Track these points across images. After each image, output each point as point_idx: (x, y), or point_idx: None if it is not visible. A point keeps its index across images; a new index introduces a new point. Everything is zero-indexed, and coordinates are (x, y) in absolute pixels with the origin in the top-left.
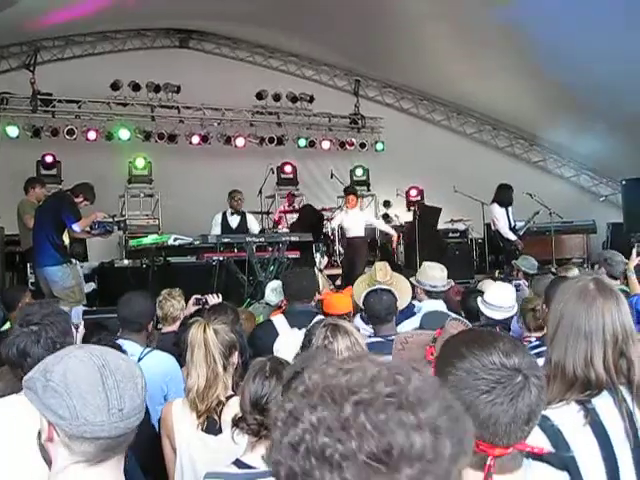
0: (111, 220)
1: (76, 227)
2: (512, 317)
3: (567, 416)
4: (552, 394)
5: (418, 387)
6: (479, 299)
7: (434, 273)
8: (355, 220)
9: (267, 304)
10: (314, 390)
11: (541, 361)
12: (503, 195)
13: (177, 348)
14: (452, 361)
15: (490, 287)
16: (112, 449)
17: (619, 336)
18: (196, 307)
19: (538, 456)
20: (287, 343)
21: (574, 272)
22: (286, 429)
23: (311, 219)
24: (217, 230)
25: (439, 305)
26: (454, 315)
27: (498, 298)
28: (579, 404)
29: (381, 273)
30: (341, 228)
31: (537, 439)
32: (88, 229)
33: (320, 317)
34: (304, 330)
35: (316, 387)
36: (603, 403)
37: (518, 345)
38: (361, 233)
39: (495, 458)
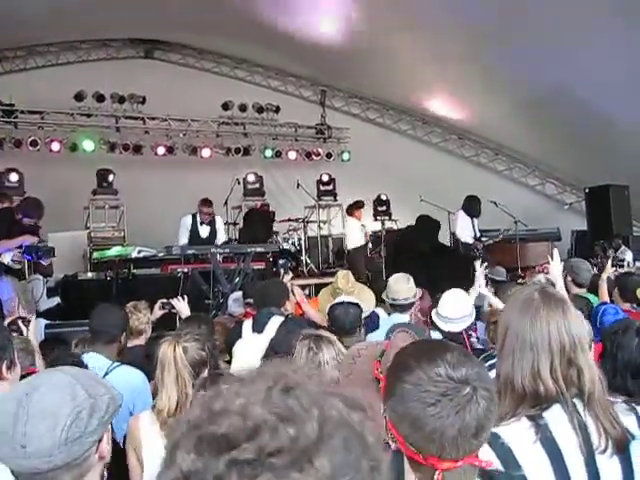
0: (43, 246)
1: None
2: (471, 326)
3: (518, 433)
4: (503, 409)
5: (314, 433)
6: (433, 312)
7: (398, 287)
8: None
9: (230, 315)
10: (191, 431)
11: (494, 373)
12: (470, 206)
13: (148, 361)
14: (400, 374)
15: (443, 298)
16: None
17: (566, 345)
18: (162, 312)
19: (487, 476)
20: (244, 347)
21: (539, 277)
22: (164, 468)
23: (257, 223)
24: (185, 234)
25: (405, 319)
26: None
27: (450, 310)
28: (530, 419)
29: (343, 281)
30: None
31: (487, 457)
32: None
33: (278, 318)
34: (264, 334)
35: (193, 428)
36: (555, 416)
37: (468, 356)
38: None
39: (444, 472)
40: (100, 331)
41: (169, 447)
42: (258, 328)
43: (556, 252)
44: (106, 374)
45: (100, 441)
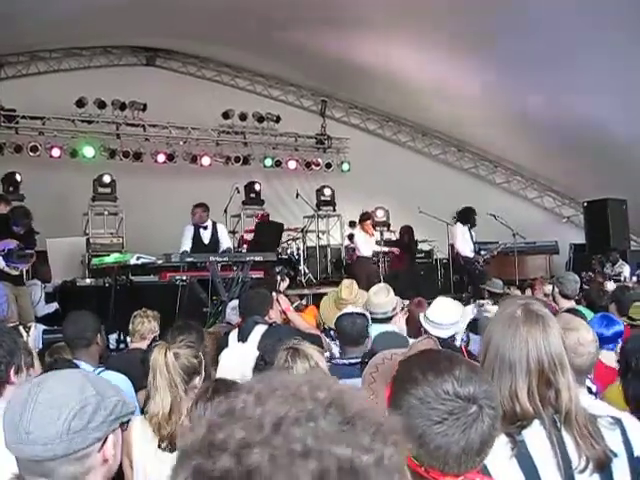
0: (20, 252)
1: None
2: (456, 334)
3: (495, 449)
4: None
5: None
6: (421, 316)
7: (378, 300)
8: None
9: (228, 323)
10: (190, 456)
11: None
12: (466, 216)
13: (142, 366)
14: (406, 386)
15: (433, 303)
16: (33, 473)
17: (545, 364)
18: None
19: None
20: (227, 356)
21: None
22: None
23: (266, 234)
24: (188, 244)
25: (387, 329)
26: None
27: (439, 315)
28: (508, 436)
29: (347, 291)
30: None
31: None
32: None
33: (261, 327)
34: (247, 343)
35: (194, 453)
36: (533, 434)
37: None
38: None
39: None
40: (75, 337)
41: (175, 464)
42: (242, 337)
43: None
44: None
45: (105, 442)
